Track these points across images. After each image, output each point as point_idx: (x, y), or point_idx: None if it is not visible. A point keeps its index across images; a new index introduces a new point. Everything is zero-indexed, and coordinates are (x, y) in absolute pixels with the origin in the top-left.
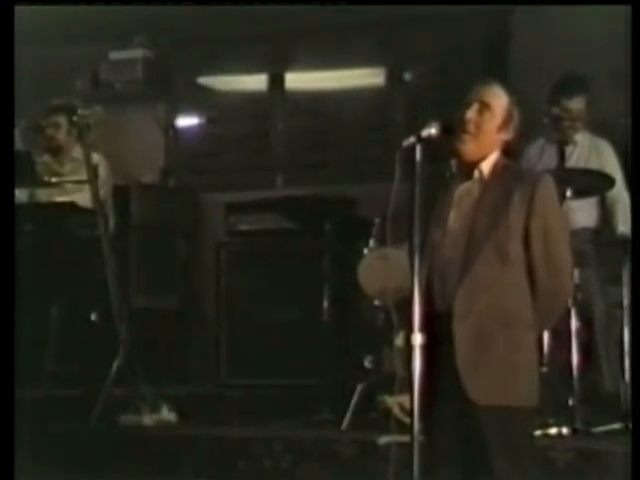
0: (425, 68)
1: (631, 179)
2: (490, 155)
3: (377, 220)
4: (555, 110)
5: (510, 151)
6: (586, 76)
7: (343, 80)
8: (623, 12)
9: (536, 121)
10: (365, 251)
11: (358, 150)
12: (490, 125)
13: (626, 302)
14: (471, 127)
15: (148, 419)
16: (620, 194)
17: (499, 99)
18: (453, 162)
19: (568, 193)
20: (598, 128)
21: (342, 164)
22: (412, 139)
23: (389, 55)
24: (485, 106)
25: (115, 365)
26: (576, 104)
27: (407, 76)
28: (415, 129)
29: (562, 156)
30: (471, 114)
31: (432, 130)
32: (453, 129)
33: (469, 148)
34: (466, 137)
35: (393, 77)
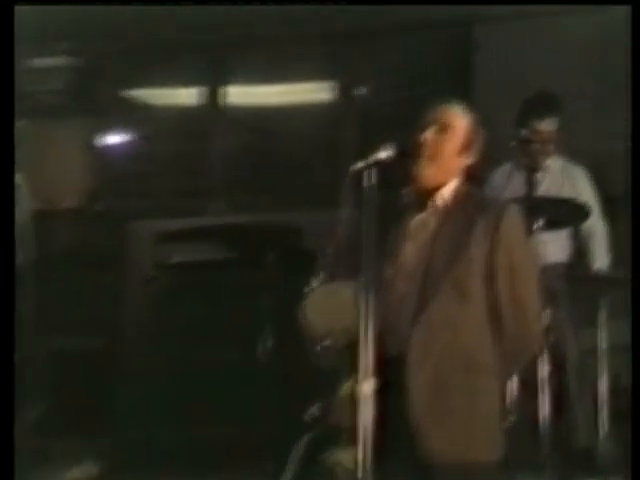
0: (380, 83)
1: (632, 188)
2: (450, 181)
3: (325, 252)
4: (524, 132)
5: (473, 177)
6: (558, 95)
7: (289, 95)
8: (599, 27)
9: (503, 144)
10: (311, 286)
11: (305, 173)
12: (450, 148)
13: (603, 346)
14: (429, 150)
15: (70, 474)
16: (596, 225)
17: (460, 119)
18: (409, 189)
19: (538, 224)
20: (571, 153)
21: (287, 188)
22: (364, 162)
23: (340, 68)
24: (444, 127)
25: (32, 415)
26: (547, 126)
27: (360, 92)
28: (368, 151)
29: (531, 183)
30: (429, 136)
31: (387, 153)
32: (409, 152)
33: (427, 173)
34: (423, 161)
35: (344, 93)
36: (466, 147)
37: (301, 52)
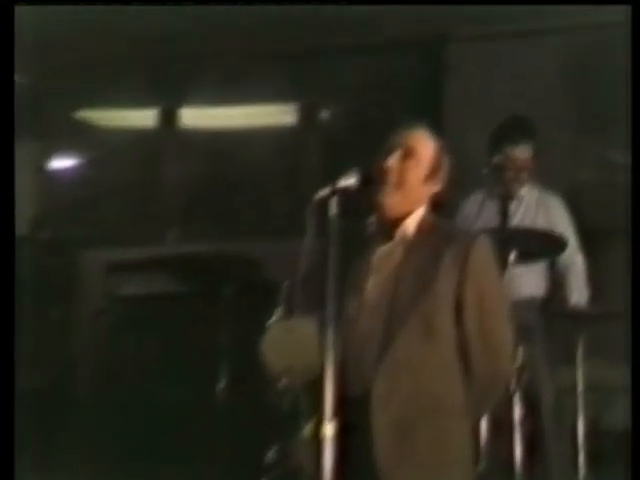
0: (344, 106)
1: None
2: (416, 211)
3: (285, 284)
4: (497, 159)
5: (440, 206)
6: (533, 120)
7: (248, 118)
8: (583, 47)
9: (474, 171)
10: (270, 321)
11: (265, 201)
12: (415, 175)
13: (581, 385)
14: (393, 177)
15: None
16: (573, 258)
17: (425, 145)
18: (374, 218)
19: (511, 256)
20: (547, 182)
21: (246, 217)
22: (327, 190)
23: (302, 89)
24: (409, 153)
25: None
26: (521, 152)
27: (323, 115)
28: (331, 178)
29: (505, 213)
30: (393, 162)
31: (350, 180)
32: (373, 179)
33: (391, 202)
34: (388, 189)
35: (307, 115)
36: (432, 174)
37: (261, 72)
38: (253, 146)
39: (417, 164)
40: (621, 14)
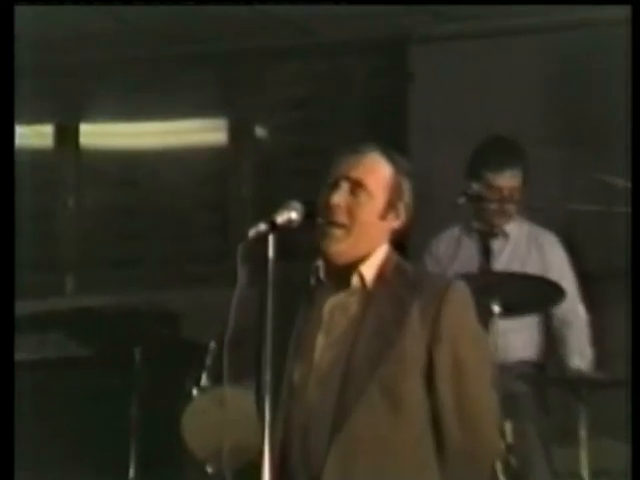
0: (282, 123)
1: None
2: (375, 253)
3: (211, 345)
4: (476, 187)
5: (403, 245)
6: (520, 141)
7: (165, 136)
8: (574, 48)
9: (448, 202)
10: (193, 392)
11: (184, 240)
12: (368, 212)
13: (584, 471)
14: (342, 217)
15: None
16: (573, 311)
17: (379, 172)
18: (321, 262)
19: (495, 308)
20: (537, 215)
21: (160, 260)
22: (263, 226)
23: (231, 102)
24: (358, 185)
25: None
26: (507, 180)
27: (259, 132)
28: (268, 210)
29: (487, 254)
30: (340, 198)
31: (292, 213)
32: (318, 217)
33: (341, 248)
34: (336, 232)
35: (236, 135)
36: (390, 207)
37: (182, 80)
38: (170, 171)
39: (369, 198)
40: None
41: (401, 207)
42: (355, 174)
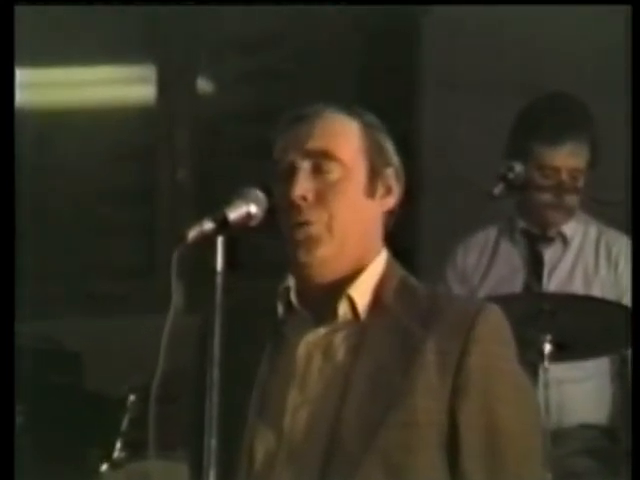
0: (237, 70)
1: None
2: (369, 265)
3: (130, 399)
4: (520, 169)
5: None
6: (586, 101)
7: (60, 90)
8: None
9: (479, 191)
10: (102, 468)
11: (87, 243)
12: (349, 189)
13: None
14: (313, 211)
15: None
16: None
17: (345, 132)
18: (292, 282)
19: (547, 347)
20: (610, 211)
21: (51, 274)
22: (208, 224)
23: (165, 43)
24: (324, 157)
25: None
26: (568, 159)
27: (201, 86)
28: (214, 201)
29: (537, 266)
30: (302, 185)
31: (251, 207)
32: (283, 213)
33: (324, 254)
34: (312, 233)
35: (170, 87)
36: (375, 175)
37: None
38: (66, 139)
39: (345, 171)
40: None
41: (390, 174)
42: (315, 144)
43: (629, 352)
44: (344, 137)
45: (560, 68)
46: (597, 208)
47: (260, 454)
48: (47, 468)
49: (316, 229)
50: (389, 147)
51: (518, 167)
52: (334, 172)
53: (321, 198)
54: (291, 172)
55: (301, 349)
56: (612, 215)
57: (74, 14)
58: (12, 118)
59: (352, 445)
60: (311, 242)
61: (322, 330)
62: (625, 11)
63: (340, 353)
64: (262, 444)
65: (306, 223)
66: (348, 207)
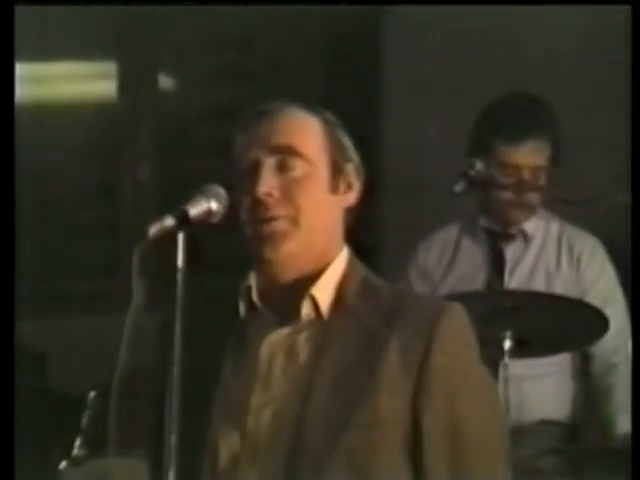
0: (201, 68)
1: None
2: (331, 264)
3: (90, 396)
4: (482, 166)
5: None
6: (548, 99)
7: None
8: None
9: (441, 189)
10: (61, 465)
11: (51, 241)
12: (313, 185)
13: None
14: (279, 207)
15: None
16: (621, 349)
17: (307, 128)
18: (254, 278)
19: (507, 344)
20: (572, 210)
21: (21, 271)
22: (169, 220)
23: (129, 40)
24: (288, 153)
25: None
26: (529, 157)
27: (163, 83)
28: (175, 197)
29: (498, 264)
30: (267, 182)
31: (212, 203)
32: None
33: (291, 248)
34: (278, 228)
35: (133, 84)
36: (337, 171)
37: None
38: (31, 136)
39: (309, 166)
40: None
41: (350, 170)
42: (279, 140)
43: (592, 349)
44: (308, 133)
45: (539, 68)
46: (561, 206)
47: (224, 454)
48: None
49: (282, 224)
50: (348, 144)
51: (479, 164)
52: (299, 168)
53: (286, 194)
54: (255, 168)
55: (264, 349)
56: (577, 214)
57: (36, 10)
58: (12, 114)
59: (316, 445)
60: (277, 237)
61: (285, 330)
62: (625, 11)
63: (303, 353)
64: (226, 444)
65: (272, 219)
66: (313, 203)
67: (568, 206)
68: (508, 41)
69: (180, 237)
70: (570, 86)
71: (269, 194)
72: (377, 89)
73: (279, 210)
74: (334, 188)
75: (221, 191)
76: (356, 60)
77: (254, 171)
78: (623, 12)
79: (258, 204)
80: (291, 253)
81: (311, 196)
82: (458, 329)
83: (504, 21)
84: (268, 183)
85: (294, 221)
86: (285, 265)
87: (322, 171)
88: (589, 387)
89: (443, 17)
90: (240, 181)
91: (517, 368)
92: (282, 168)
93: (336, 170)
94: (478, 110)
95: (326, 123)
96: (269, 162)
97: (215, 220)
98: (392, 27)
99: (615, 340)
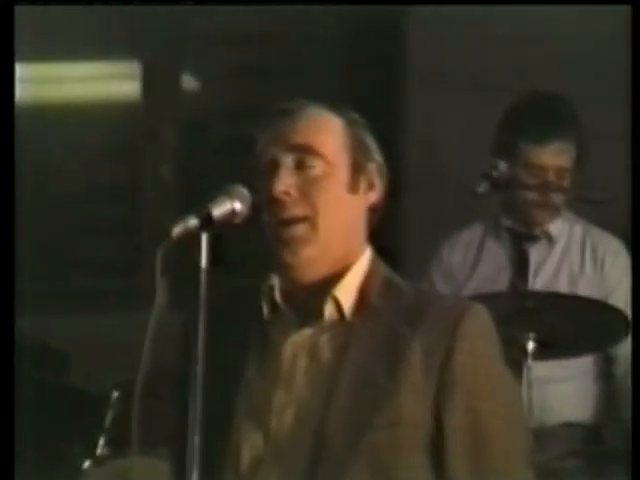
0: (223, 67)
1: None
2: (354, 264)
3: (113, 396)
4: (504, 167)
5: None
6: (572, 100)
7: (46, 86)
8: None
9: (464, 189)
10: (85, 465)
11: (72, 240)
12: (332, 185)
13: None
14: (297, 207)
15: None
16: None
17: (328, 127)
18: (276, 281)
19: (530, 346)
20: (596, 211)
21: (36, 272)
22: (193, 221)
23: (150, 38)
24: (307, 152)
25: None
26: (554, 158)
27: (186, 83)
28: (199, 198)
29: (522, 265)
30: (285, 181)
31: (235, 204)
32: (266, 211)
33: (310, 253)
34: (296, 231)
35: (155, 83)
36: (358, 170)
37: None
38: (53, 137)
39: (328, 166)
40: None
41: (372, 169)
42: (298, 139)
43: (615, 351)
44: (328, 133)
45: (551, 65)
46: (586, 208)
47: (246, 454)
48: (31, 466)
49: (301, 229)
50: (372, 144)
51: (502, 165)
52: (317, 167)
53: (304, 193)
54: (273, 167)
55: (286, 350)
56: (599, 214)
57: (58, 10)
58: (12, 114)
59: (338, 445)
60: (296, 242)
61: (308, 331)
62: (625, 11)
63: (326, 353)
64: (248, 444)
65: (290, 220)
66: (332, 203)
67: (590, 206)
68: (527, 39)
69: (203, 237)
70: (586, 83)
71: (286, 192)
72: (398, 88)
73: (297, 210)
74: (354, 188)
75: (245, 192)
76: (377, 58)
77: (272, 169)
78: (623, 12)
79: (276, 203)
80: (311, 257)
81: (329, 195)
82: (480, 329)
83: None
84: (286, 181)
85: (312, 223)
86: (306, 268)
87: (341, 171)
88: (612, 389)
89: (463, 15)
90: (261, 180)
91: (540, 370)
92: (300, 167)
93: (357, 170)
94: (500, 107)
95: (349, 123)
96: (287, 161)
97: (238, 221)
98: (413, 25)
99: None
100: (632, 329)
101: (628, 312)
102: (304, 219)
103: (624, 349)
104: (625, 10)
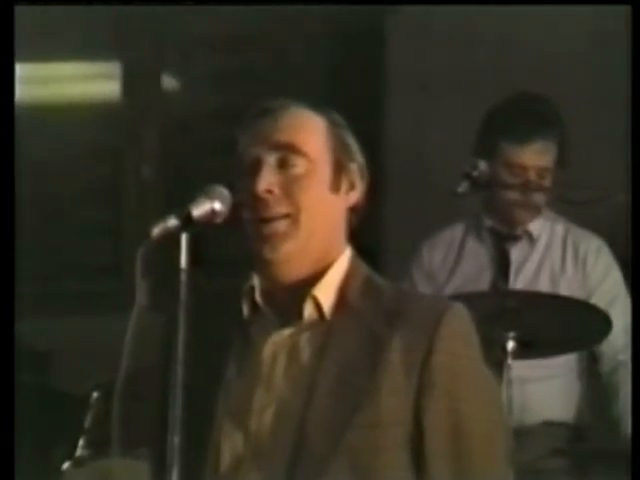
0: (204, 67)
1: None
2: (334, 264)
3: (93, 397)
4: (486, 167)
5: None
6: (553, 99)
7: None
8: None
9: (445, 189)
10: (64, 466)
11: (54, 242)
12: (314, 184)
13: None
14: (279, 205)
15: None
16: (628, 349)
17: (310, 127)
18: (256, 281)
19: (510, 345)
20: (578, 210)
21: (18, 274)
22: (173, 221)
23: (132, 39)
24: (289, 151)
25: None
26: (535, 157)
27: (167, 83)
28: (179, 198)
29: (502, 264)
30: (267, 179)
31: (215, 204)
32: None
33: (290, 249)
34: (278, 228)
35: (137, 84)
36: (340, 170)
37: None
38: (35, 136)
39: (310, 164)
40: None
41: (354, 170)
42: (280, 138)
43: (600, 348)
44: (310, 131)
45: (541, 68)
46: (567, 207)
47: (227, 454)
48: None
49: (282, 225)
50: (353, 145)
51: (482, 165)
52: (299, 166)
53: (287, 192)
54: (256, 166)
55: (267, 350)
56: (581, 214)
57: (40, 10)
58: (12, 114)
59: (319, 446)
60: (276, 238)
61: (287, 331)
62: (625, 11)
63: (306, 354)
64: (229, 444)
65: (272, 218)
66: (314, 201)
67: (572, 206)
68: (511, 41)
69: (183, 238)
70: (572, 86)
71: (269, 191)
72: (380, 89)
73: (279, 208)
74: (336, 187)
75: (224, 191)
76: (359, 60)
77: (255, 168)
78: (623, 12)
79: (258, 201)
80: (290, 253)
81: (311, 194)
82: (460, 329)
83: (507, 21)
84: (268, 180)
85: (294, 220)
86: (285, 265)
87: (324, 170)
88: (596, 388)
89: (446, 16)
90: (243, 179)
91: (520, 370)
92: (283, 165)
93: (338, 170)
94: (482, 109)
95: (331, 123)
96: (269, 159)
97: (219, 220)
98: (396, 26)
99: (623, 338)
100: (632, 329)
101: (611, 310)
102: (286, 216)
103: (609, 347)
104: (625, 10)
